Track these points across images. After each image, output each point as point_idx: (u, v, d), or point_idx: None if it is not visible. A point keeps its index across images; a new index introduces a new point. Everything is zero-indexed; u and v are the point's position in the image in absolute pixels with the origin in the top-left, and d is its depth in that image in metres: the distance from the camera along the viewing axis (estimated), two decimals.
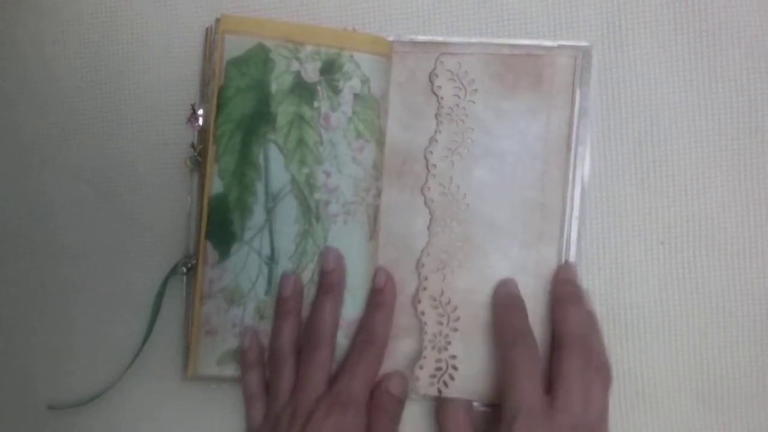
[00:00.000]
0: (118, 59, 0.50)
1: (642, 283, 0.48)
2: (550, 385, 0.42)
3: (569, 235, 0.47)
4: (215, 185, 0.47)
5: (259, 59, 0.47)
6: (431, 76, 0.48)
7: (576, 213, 0.47)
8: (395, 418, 0.46)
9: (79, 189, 0.51)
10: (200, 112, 0.49)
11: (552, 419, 0.40)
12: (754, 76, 0.47)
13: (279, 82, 0.47)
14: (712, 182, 0.47)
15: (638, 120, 0.48)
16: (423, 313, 0.48)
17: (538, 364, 0.43)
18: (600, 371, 0.42)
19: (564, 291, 0.46)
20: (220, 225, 0.47)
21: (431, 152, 0.48)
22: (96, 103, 0.50)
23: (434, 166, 0.48)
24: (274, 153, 0.47)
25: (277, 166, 0.47)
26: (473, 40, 0.48)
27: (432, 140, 0.48)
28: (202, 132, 0.49)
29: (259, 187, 0.47)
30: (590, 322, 0.45)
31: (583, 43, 0.47)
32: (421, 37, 0.48)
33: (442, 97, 0.48)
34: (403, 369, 0.48)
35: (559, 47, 0.47)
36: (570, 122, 0.47)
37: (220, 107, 0.47)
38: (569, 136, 0.47)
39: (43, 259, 0.51)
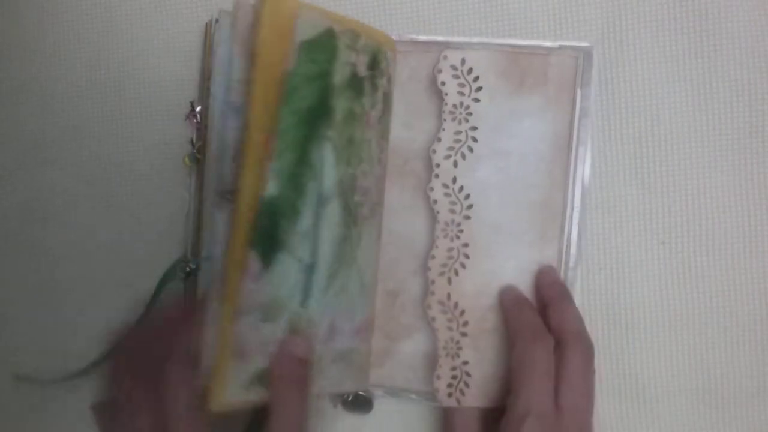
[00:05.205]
0: (116, 58, 0.50)
1: (642, 282, 0.48)
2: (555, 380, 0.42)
3: (570, 235, 0.47)
4: (270, 187, 0.39)
5: (329, 46, 0.40)
6: (435, 71, 0.47)
7: (576, 213, 0.47)
8: (303, 385, 0.41)
9: (78, 188, 0.51)
10: (198, 109, 0.48)
11: (560, 421, 0.40)
12: (754, 75, 0.47)
13: (341, 74, 0.41)
14: (712, 182, 0.47)
15: (638, 120, 0.48)
16: (434, 319, 0.46)
17: (553, 363, 0.43)
18: (593, 365, 0.43)
19: (556, 291, 0.46)
20: (268, 231, 0.39)
21: (434, 151, 0.47)
22: (95, 102, 0.50)
23: (437, 165, 0.47)
24: (328, 152, 0.41)
25: (329, 165, 0.41)
26: (474, 40, 0.47)
27: (435, 139, 0.47)
28: (201, 129, 0.48)
29: (312, 189, 0.40)
30: (581, 318, 0.45)
31: (584, 44, 0.47)
32: (422, 37, 0.48)
33: (446, 94, 0.46)
34: (404, 369, 0.48)
35: (560, 48, 0.47)
36: (571, 122, 0.46)
37: (285, 96, 0.39)
38: (570, 137, 0.47)
39: (43, 259, 0.51)
